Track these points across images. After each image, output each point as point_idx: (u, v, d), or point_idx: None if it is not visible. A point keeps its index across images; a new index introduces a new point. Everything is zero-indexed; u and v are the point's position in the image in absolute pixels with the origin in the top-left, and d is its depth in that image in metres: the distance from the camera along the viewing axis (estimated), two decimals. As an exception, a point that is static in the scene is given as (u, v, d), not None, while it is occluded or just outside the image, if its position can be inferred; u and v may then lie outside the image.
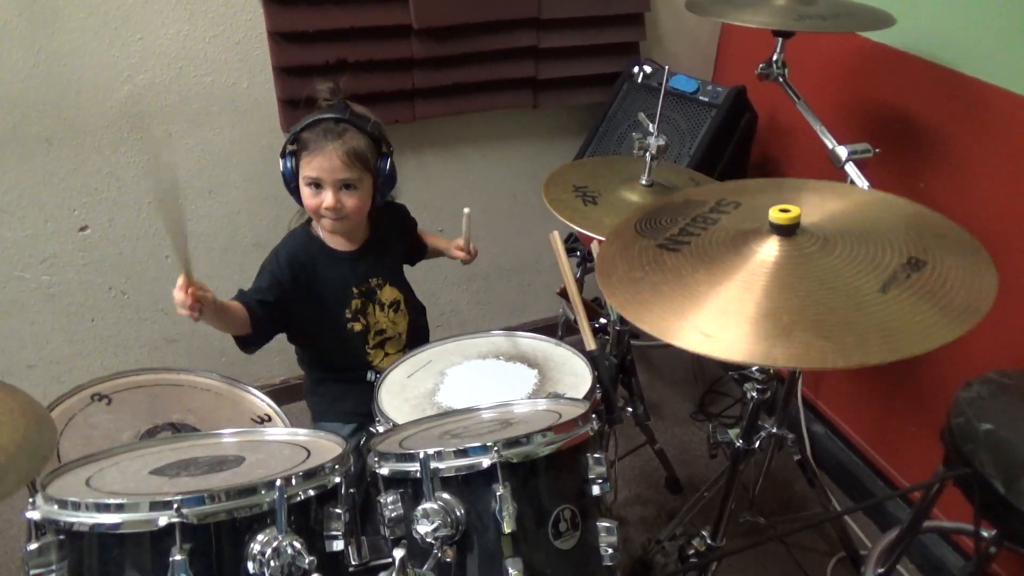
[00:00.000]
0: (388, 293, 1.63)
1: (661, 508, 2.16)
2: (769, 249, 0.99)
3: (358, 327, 1.60)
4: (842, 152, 1.55)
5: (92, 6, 1.78)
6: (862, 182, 1.52)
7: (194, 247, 2.14)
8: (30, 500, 0.91)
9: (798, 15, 1.55)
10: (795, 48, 1.66)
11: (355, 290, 1.59)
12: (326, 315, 1.59)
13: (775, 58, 1.67)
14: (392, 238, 1.69)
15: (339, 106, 1.50)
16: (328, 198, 1.47)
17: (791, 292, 0.90)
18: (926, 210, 1.12)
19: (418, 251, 1.81)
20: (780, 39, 1.65)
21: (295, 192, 1.53)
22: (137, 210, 2.04)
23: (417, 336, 1.72)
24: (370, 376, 1.64)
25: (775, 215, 1.00)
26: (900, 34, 1.71)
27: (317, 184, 1.48)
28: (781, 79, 1.68)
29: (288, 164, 1.49)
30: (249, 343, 1.52)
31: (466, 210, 1.61)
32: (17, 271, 1.99)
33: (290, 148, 1.50)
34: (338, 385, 1.67)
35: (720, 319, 0.88)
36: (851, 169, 1.54)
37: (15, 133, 1.84)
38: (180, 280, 1.26)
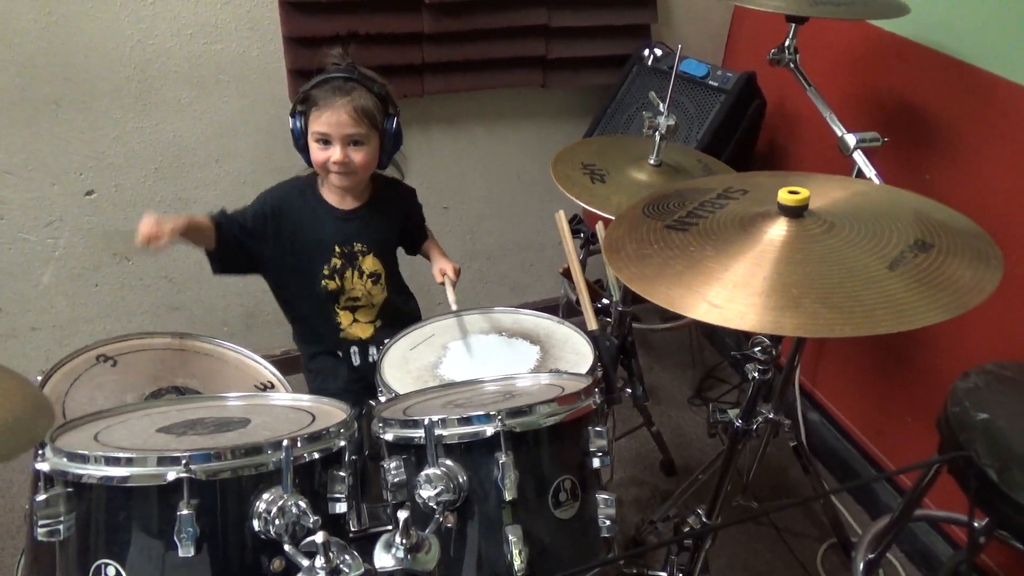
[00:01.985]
0: (370, 263, 1.63)
1: (655, 490, 2.18)
2: (778, 229, 1.00)
3: (332, 286, 1.61)
4: (851, 140, 1.55)
5: (104, -32, 1.77)
6: (870, 171, 1.52)
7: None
8: (39, 452, 0.91)
9: (813, 1, 1.55)
10: (807, 35, 1.66)
11: (337, 248, 1.60)
12: (304, 265, 1.60)
13: (787, 44, 1.66)
14: (390, 212, 1.68)
15: (348, 68, 1.52)
16: (336, 152, 1.49)
17: (800, 269, 0.91)
18: (932, 201, 1.13)
19: (413, 239, 1.78)
20: (793, 24, 1.64)
21: (304, 150, 1.54)
22: (143, 175, 2.04)
23: (393, 317, 1.69)
24: (355, 356, 1.66)
25: (784, 196, 1.01)
26: (913, 24, 1.71)
27: (326, 140, 1.49)
28: (792, 65, 1.68)
29: (298, 123, 1.51)
30: (213, 259, 1.55)
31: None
32: (23, 233, 1.99)
33: (300, 108, 1.52)
34: (330, 360, 1.68)
35: (729, 291, 0.89)
36: (859, 157, 1.54)
37: (24, 95, 1.83)
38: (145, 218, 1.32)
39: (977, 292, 0.85)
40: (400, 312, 1.71)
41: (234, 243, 1.53)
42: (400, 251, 1.77)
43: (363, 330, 1.67)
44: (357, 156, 1.51)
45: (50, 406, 0.94)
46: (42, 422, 0.87)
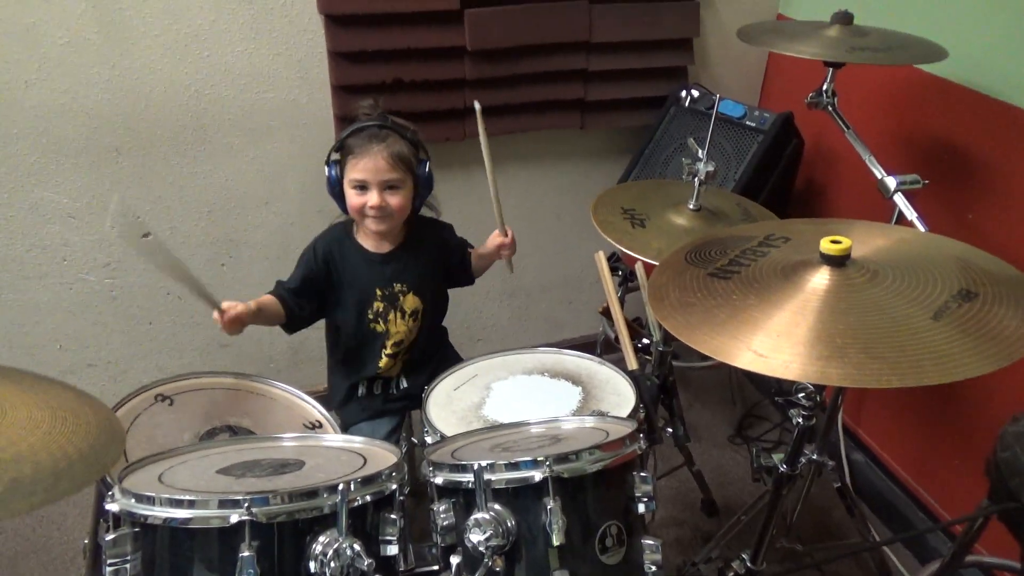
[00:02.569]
0: (411, 301, 1.67)
1: (697, 531, 2.16)
2: (820, 279, 1.01)
3: (379, 328, 1.66)
4: (891, 182, 1.56)
5: (164, 25, 1.87)
6: (911, 213, 1.52)
7: (249, 255, 2.22)
8: (108, 493, 0.96)
9: (850, 47, 1.57)
10: (845, 77, 1.68)
11: (379, 291, 1.64)
12: (352, 310, 1.65)
13: (825, 88, 1.68)
14: (427, 249, 1.72)
15: (380, 116, 1.58)
16: (373, 197, 1.54)
17: (843, 318, 0.92)
18: (975, 249, 1.14)
19: (459, 271, 1.81)
20: (831, 69, 1.67)
21: (339, 197, 1.60)
22: (197, 218, 2.12)
23: (420, 349, 1.74)
24: (377, 387, 1.73)
25: (826, 246, 1.03)
26: (952, 65, 1.72)
27: (363, 186, 1.55)
28: (830, 108, 1.69)
29: (333, 171, 1.57)
30: (288, 327, 1.65)
31: (476, 105, 1.62)
32: (83, 273, 2.08)
33: (335, 156, 1.58)
34: (353, 374, 1.74)
35: (773, 341, 0.91)
36: (900, 200, 1.55)
37: (88, 143, 1.93)
38: (215, 314, 1.45)
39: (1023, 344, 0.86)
40: (424, 341, 1.74)
41: (296, 309, 1.62)
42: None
43: (392, 367, 1.72)
44: (393, 200, 1.56)
45: (122, 432, 0.99)
46: (114, 449, 0.92)
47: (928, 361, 0.84)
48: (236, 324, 1.47)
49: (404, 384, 1.75)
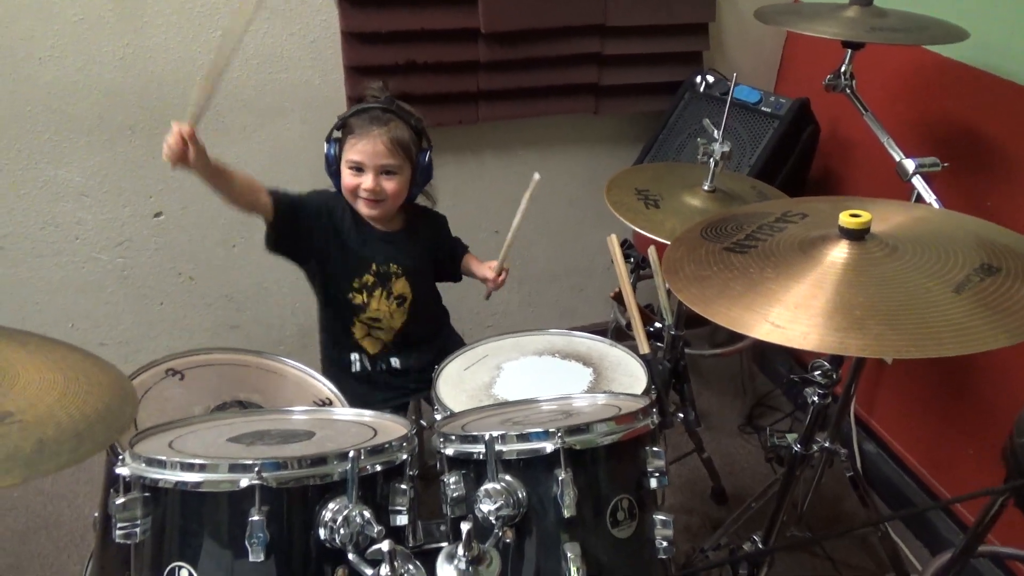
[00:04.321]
0: (400, 286, 1.66)
1: (706, 518, 2.15)
2: (839, 252, 1.00)
3: (358, 299, 1.64)
4: (909, 165, 1.54)
5: (177, 3, 1.87)
6: (930, 196, 1.50)
7: (260, 236, 2.19)
8: (119, 458, 0.96)
9: (869, 27, 1.55)
10: (863, 60, 1.66)
11: (374, 266, 1.62)
12: (339, 270, 1.63)
13: (843, 69, 1.66)
14: (423, 239, 1.71)
15: (386, 100, 1.56)
16: (368, 180, 1.52)
17: (862, 291, 0.91)
18: (996, 226, 1.12)
19: (447, 266, 1.79)
20: (849, 50, 1.64)
21: (335, 176, 1.58)
22: (209, 199, 2.08)
23: (405, 342, 1.71)
24: (356, 364, 1.69)
25: (845, 219, 1.01)
26: (971, 49, 1.70)
27: (359, 168, 1.53)
28: (848, 91, 1.67)
29: (332, 149, 1.55)
30: (270, 229, 1.57)
31: (535, 176, 1.60)
32: (95, 252, 2.09)
33: (336, 134, 1.56)
34: (338, 356, 1.71)
35: (791, 312, 0.89)
36: (918, 183, 1.53)
37: (101, 121, 1.94)
38: (182, 127, 1.31)
39: (1048, 316, 0.84)
40: (412, 334, 1.72)
41: (291, 219, 1.55)
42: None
43: (372, 345, 1.70)
44: (389, 185, 1.54)
45: (133, 391, 0.99)
46: (128, 410, 0.92)
47: (948, 333, 0.83)
48: (181, 148, 1.33)
49: (395, 364, 1.72)
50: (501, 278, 1.71)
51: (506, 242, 1.65)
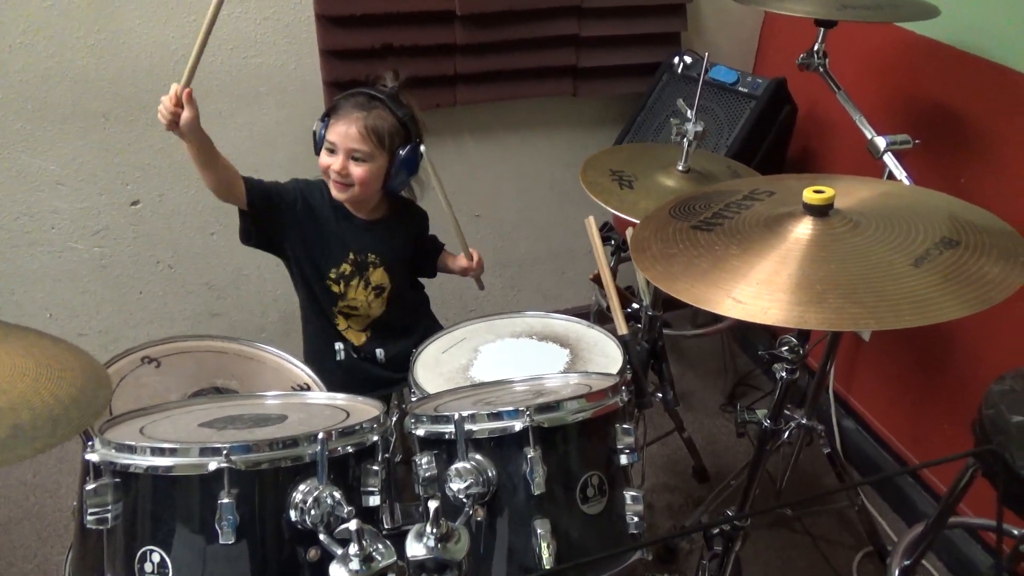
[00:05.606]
0: (378, 276, 1.66)
1: (687, 496, 2.17)
2: (803, 228, 1.01)
3: (335, 289, 1.64)
4: (880, 142, 1.55)
5: (150, -12, 1.85)
6: (901, 173, 1.52)
7: (238, 224, 2.20)
8: (88, 444, 0.96)
9: (841, 4, 1.55)
10: (836, 39, 1.66)
11: (351, 255, 1.62)
12: (316, 259, 1.62)
13: (816, 48, 1.67)
14: (404, 231, 1.71)
15: (389, 89, 1.56)
16: (337, 162, 1.52)
17: (824, 266, 0.92)
18: (959, 200, 1.13)
19: (423, 262, 1.80)
20: (822, 29, 1.65)
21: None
22: (186, 186, 2.11)
23: (385, 331, 1.72)
24: (340, 353, 1.69)
25: (809, 196, 1.02)
26: (943, 26, 1.70)
27: (333, 149, 1.53)
28: (821, 69, 1.68)
29: (321, 129, 1.55)
30: (244, 221, 1.58)
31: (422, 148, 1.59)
32: (71, 242, 2.08)
33: (327, 115, 1.56)
34: (320, 342, 1.72)
35: (754, 288, 0.90)
36: (889, 160, 1.54)
37: (75, 109, 1.92)
38: (176, 88, 1.39)
39: (1004, 287, 0.85)
40: (390, 323, 1.72)
41: (264, 208, 1.55)
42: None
43: (355, 336, 1.70)
44: (356, 171, 1.53)
45: (106, 375, 0.99)
46: (102, 393, 0.92)
47: (907, 305, 0.84)
48: (176, 109, 1.40)
49: (380, 357, 1.71)
50: (476, 260, 1.72)
51: (453, 230, 1.66)
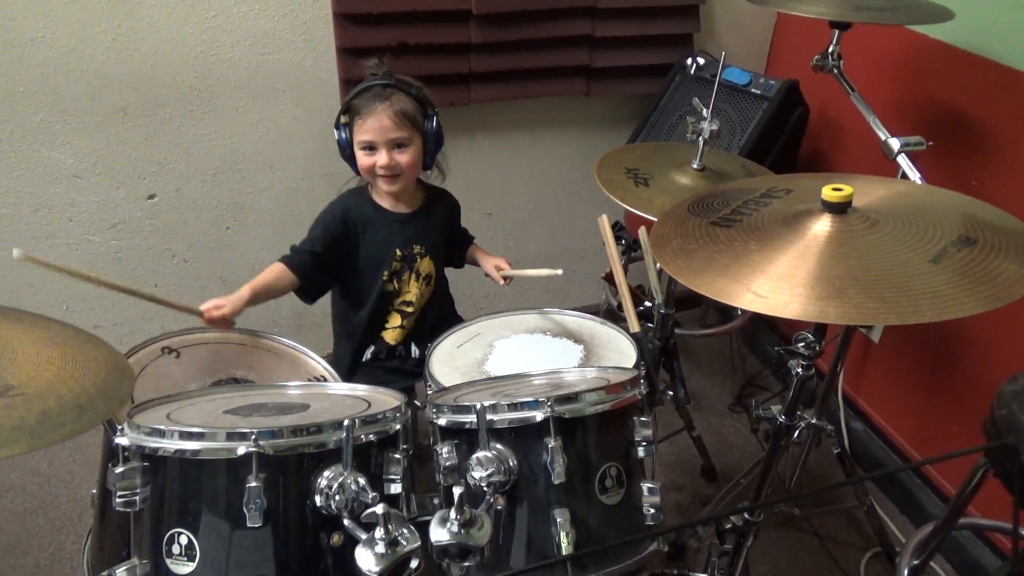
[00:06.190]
0: (426, 265, 1.68)
1: (696, 495, 2.18)
2: (821, 225, 1.02)
3: (390, 288, 1.67)
4: (895, 144, 1.56)
5: (170, -16, 1.87)
6: (914, 175, 1.53)
7: (254, 219, 2.23)
8: (118, 429, 0.97)
9: (856, 6, 1.57)
10: (850, 41, 1.67)
11: (398, 252, 1.65)
12: (368, 268, 1.65)
13: (831, 50, 1.68)
14: (441, 216, 1.74)
15: (385, 75, 1.57)
16: (382, 157, 1.54)
17: (843, 262, 0.93)
18: (975, 200, 1.15)
19: (454, 251, 1.83)
20: (836, 31, 1.66)
21: (350, 160, 1.60)
22: (202, 181, 2.13)
23: (430, 315, 1.75)
24: (368, 354, 1.72)
25: (828, 193, 1.03)
26: (956, 29, 1.72)
27: (371, 146, 1.55)
28: (836, 71, 1.69)
29: (343, 134, 1.57)
30: (304, 294, 1.63)
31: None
32: (88, 235, 2.10)
33: (343, 119, 1.58)
34: (363, 340, 1.74)
35: (774, 283, 0.92)
36: (903, 161, 1.55)
37: (94, 103, 1.94)
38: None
39: (1021, 286, 0.87)
40: (433, 308, 1.75)
41: (314, 273, 1.60)
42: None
43: (394, 335, 1.72)
44: (402, 158, 1.56)
45: (128, 366, 1.01)
46: (125, 383, 0.94)
47: (926, 300, 0.86)
48: (223, 324, 1.47)
49: (414, 352, 1.74)
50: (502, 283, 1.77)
51: (534, 273, 1.71)
